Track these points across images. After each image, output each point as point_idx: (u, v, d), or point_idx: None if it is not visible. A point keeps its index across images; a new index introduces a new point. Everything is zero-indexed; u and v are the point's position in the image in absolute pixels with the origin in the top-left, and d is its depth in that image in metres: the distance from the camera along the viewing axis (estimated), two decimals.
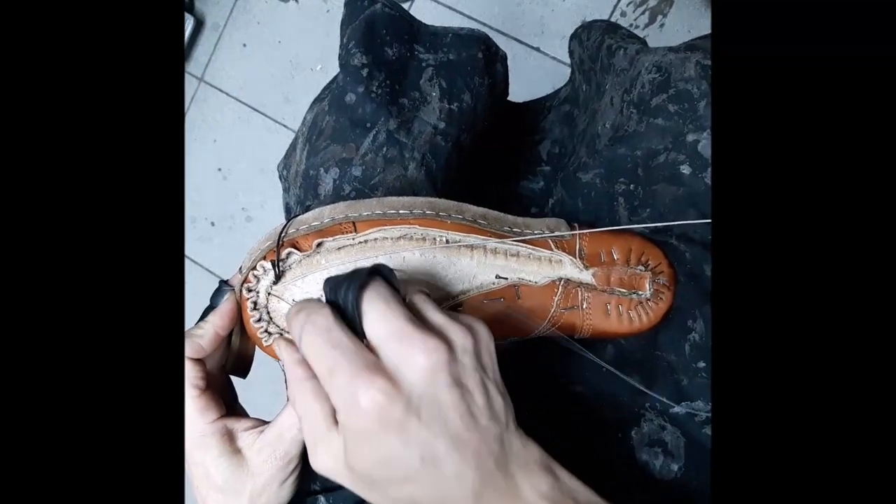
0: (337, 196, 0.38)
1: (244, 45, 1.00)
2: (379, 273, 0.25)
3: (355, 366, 0.23)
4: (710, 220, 0.32)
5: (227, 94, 1.01)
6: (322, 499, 0.40)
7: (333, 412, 0.25)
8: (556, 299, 0.34)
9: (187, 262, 1.02)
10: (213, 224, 1.02)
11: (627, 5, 0.81)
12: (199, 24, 1.01)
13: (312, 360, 0.24)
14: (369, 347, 0.24)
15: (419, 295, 0.27)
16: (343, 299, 0.24)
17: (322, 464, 0.25)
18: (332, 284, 0.26)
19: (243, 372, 0.35)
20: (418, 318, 0.24)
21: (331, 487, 0.40)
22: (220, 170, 1.01)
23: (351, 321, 0.24)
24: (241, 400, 0.35)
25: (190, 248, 1.03)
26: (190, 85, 1.02)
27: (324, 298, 0.26)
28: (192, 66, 1.02)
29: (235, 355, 0.33)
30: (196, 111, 1.02)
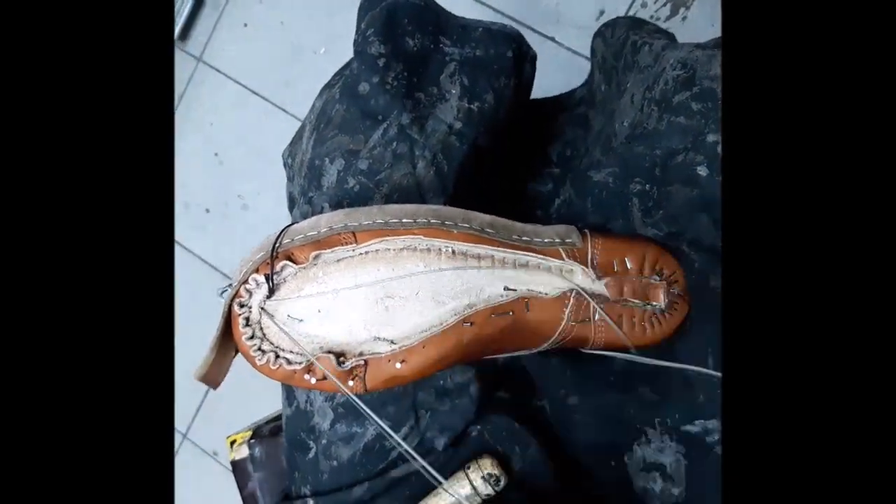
0: (340, 188, 0.36)
1: (245, 24, 0.97)
2: None
3: None
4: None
5: (225, 75, 0.98)
6: (311, 502, 0.39)
7: None
8: (567, 311, 0.32)
9: (179, 250, 1.00)
10: (207, 211, 1.00)
11: None
12: (200, 2, 0.98)
13: None
14: None
15: None
16: None
17: None
18: None
19: (215, 383, 0.32)
20: None
21: (321, 492, 0.39)
22: (216, 154, 0.99)
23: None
24: (234, 392, 0.33)
25: (183, 235, 1.00)
26: (188, 65, 0.99)
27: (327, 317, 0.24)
28: (191, 46, 0.99)
29: (210, 365, 0.30)
30: (193, 92, 0.99)
